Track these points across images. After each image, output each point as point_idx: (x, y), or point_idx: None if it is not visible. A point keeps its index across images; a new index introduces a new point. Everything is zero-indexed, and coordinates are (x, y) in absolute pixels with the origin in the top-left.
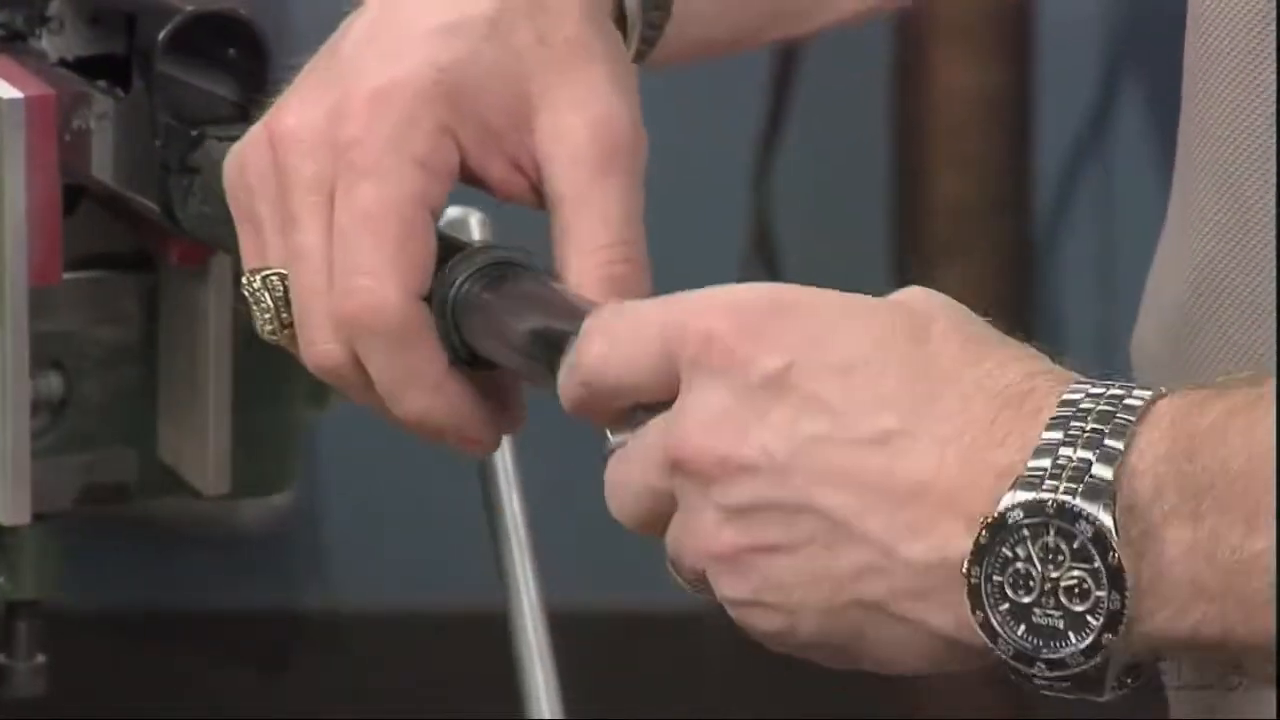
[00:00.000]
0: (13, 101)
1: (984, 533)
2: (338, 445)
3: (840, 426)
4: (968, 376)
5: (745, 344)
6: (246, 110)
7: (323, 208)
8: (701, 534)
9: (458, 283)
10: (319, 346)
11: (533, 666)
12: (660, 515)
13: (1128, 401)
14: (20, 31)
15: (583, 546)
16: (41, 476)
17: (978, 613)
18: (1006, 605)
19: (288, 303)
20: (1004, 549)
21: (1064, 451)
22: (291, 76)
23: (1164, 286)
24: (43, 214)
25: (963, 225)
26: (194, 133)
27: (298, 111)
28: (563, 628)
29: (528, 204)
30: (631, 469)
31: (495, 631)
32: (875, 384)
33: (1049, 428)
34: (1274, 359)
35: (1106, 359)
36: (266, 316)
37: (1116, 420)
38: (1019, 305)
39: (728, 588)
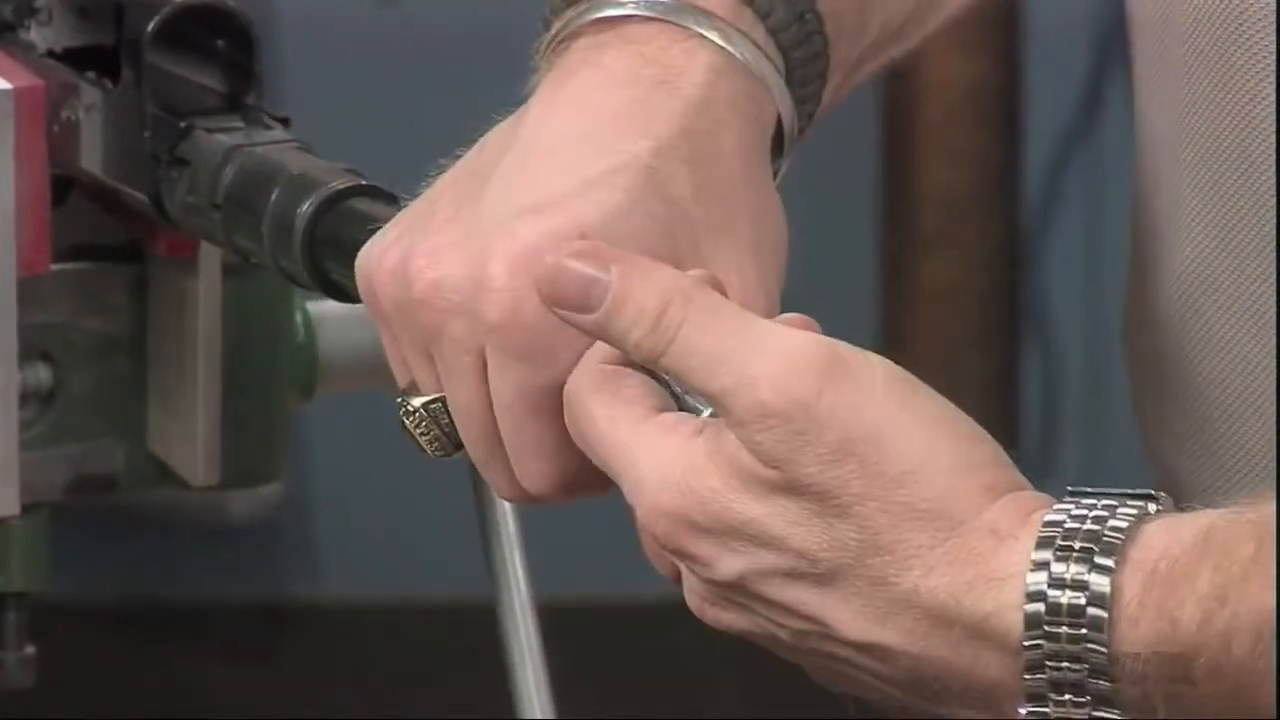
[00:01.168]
0: (1, 93)
1: None
2: (326, 436)
3: (826, 628)
4: (914, 583)
5: (698, 550)
6: (235, 101)
7: (475, 368)
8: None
9: None
10: (504, 492)
11: (522, 658)
12: None
13: (1093, 614)
14: (9, 23)
15: (572, 538)
16: (30, 467)
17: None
18: None
19: (455, 425)
20: None
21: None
22: (275, 68)
23: (1150, 283)
24: (31, 205)
25: (951, 217)
26: (182, 124)
27: (436, 261)
28: (552, 619)
29: None
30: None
31: (484, 623)
32: (847, 588)
33: (1027, 646)
34: (1258, 355)
35: (1094, 350)
36: (438, 443)
37: (1090, 649)
38: (1007, 297)
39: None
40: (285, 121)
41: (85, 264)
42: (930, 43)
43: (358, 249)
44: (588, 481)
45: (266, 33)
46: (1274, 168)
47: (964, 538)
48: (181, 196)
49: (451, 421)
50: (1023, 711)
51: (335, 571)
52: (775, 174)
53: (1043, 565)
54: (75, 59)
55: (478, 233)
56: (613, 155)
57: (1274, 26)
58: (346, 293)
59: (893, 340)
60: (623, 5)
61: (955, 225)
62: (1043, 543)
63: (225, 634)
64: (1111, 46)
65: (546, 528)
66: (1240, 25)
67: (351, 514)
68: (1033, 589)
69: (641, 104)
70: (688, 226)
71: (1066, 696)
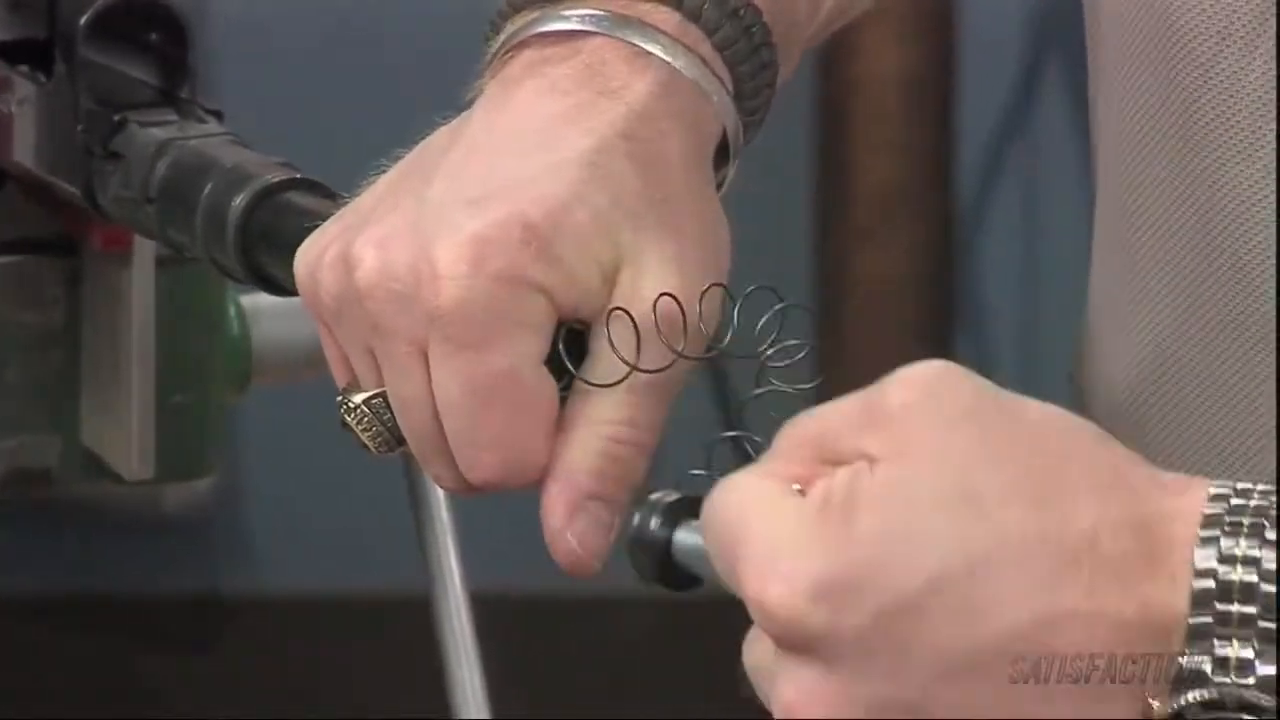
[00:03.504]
0: None
1: None
2: (262, 429)
3: (956, 652)
4: (1075, 534)
5: (816, 615)
6: (168, 94)
7: (418, 358)
8: None
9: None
10: (447, 484)
11: (457, 650)
12: None
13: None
14: None
15: (507, 530)
16: None
17: None
18: None
19: (396, 420)
20: None
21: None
22: (208, 61)
23: (1108, 353)
24: None
25: (886, 209)
26: (116, 118)
27: (380, 249)
28: (488, 611)
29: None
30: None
31: (420, 616)
32: (978, 591)
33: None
34: (1225, 436)
35: (1029, 343)
36: (380, 439)
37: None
38: (942, 288)
39: None
40: (219, 115)
41: (19, 257)
42: (865, 36)
43: (292, 242)
44: (531, 469)
45: (200, 26)
46: (1236, 247)
47: (1128, 480)
48: (115, 190)
49: (393, 417)
50: (1182, 660)
51: (271, 564)
52: (721, 183)
53: (1211, 540)
54: (8, 52)
55: (421, 224)
56: (557, 152)
57: (1239, 106)
58: (280, 286)
59: (829, 333)
60: (568, 19)
61: (890, 218)
62: (1216, 498)
63: (160, 627)
64: (1047, 38)
65: (483, 520)
66: (1197, 106)
67: (287, 507)
68: (1201, 566)
69: (585, 108)
70: (631, 224)
71: (1229, 651)
